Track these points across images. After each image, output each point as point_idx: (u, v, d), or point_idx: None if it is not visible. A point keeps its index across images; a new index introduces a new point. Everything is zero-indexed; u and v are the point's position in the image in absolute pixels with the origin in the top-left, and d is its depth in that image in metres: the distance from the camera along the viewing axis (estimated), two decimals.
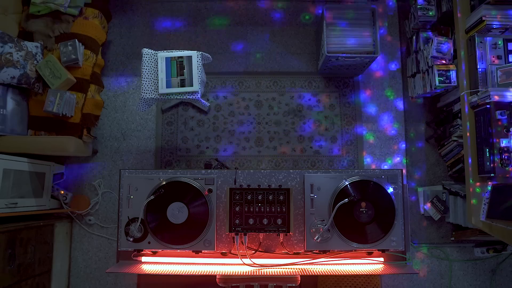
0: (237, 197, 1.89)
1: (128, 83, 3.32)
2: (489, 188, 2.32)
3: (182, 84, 2.64)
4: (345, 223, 1.89)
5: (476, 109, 2.43)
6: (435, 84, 2.81)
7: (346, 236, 1.89)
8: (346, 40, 3.00)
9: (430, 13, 2.97)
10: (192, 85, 2.64)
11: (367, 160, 3.24)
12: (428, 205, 3.03)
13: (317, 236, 1.89)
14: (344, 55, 2.92)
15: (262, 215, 1.87)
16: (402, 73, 3.35)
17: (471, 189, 2.38)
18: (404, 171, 3.20)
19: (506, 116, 2.30)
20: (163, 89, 2.62)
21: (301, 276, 1.85)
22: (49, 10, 2.76)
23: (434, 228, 3.16)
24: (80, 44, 2.73)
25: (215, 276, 1.88)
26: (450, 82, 2.80)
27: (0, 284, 2.25)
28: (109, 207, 3.16)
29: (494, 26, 2.40)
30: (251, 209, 1.88)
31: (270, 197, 1.88)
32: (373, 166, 3.23)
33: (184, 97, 2.66)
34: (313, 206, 1.93)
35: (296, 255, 1.97)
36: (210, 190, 1.94)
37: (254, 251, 1.94)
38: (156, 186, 1.95)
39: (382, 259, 1.96)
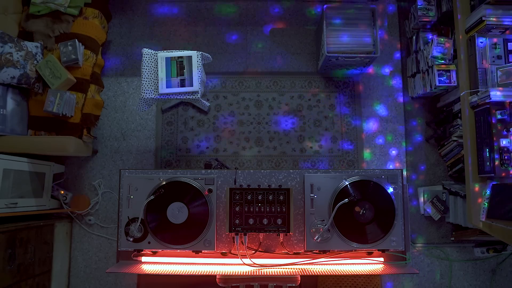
0: (237, 197, 1.89)
1: (128, 83, 3.32)
2: (489, 188, 2.32)
3: (182, 84, 2.64)
4: (345, 223, 1.89)
5: (476, 109, 2.43)
6: (435, 84, 2.81)
7: (346, 236, 1.89)
8: (346, 40, 3.00)
9: (430, 13, 2.97)
10: (192, 85, 2.64)
11: (367, 160, 3.25)
12: (428, 205, 3.03)
13: (317, 236, 1.88)
14: (344, 55, 2.93)
15: (262, 215, 1.87)
16: (402, 73, 3.35)
17: (471, 189, 2.39)
18: (404, 171, 3.22)
19: (506, 116, 2.30)
20: (163, 89, 2.62)
21: (301, 276, 1.85)
22: (49, 10, 2.76)
23: (434, 228, 3.16)
24: (80, 44, 2.73)
25: (215, 276, 1.87)
26: (450, 82, 2.80)
27: (0, 284, 2.24)
28: (109, 207, 3.16)
29: (494, 26, 2.40)
30: (251, 209, 1.88)
31: (270, 197, 1.88)
32: (373, 166, 3.23)
33: (184, 97, 2.66)
34: (313, 206, 1.93)
35: (296, 255, 1.97)
36: (210, 190, 1.94)
37: (254, 251, 1.94)
38: (156, 186, 1.95)
39: (382, 259, 1.96)
